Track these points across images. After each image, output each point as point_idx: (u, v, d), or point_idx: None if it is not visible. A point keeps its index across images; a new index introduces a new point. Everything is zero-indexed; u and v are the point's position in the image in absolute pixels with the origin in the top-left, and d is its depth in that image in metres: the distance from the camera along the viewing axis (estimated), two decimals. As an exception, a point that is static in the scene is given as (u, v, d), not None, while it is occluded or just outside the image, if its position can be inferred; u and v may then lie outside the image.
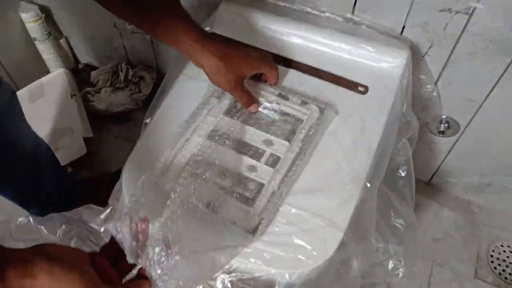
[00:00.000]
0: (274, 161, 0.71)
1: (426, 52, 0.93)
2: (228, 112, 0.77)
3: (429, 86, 0.97)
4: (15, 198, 0.98)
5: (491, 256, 1.14)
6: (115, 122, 1.36)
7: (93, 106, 1.31)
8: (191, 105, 0.79)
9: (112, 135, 1.34)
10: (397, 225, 0.80)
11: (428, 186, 1.26)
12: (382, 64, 0.85)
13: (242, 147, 0.72)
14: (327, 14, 0.93)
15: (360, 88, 0.82)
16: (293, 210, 0.66)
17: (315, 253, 0.62)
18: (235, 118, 0.76)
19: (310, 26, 0.90)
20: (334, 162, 0.71)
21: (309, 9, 0.94)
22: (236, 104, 0.78)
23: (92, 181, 1.17)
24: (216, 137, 0.73)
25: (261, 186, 0.68)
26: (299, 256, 0.62)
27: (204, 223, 0.63)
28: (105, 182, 1.18)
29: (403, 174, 0.83)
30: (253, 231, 0.63)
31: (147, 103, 1.36)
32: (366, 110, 0.79)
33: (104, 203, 1.14)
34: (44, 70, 1.40)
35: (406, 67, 0.85)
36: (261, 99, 0.79)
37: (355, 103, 0.80)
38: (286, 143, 0.72)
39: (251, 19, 0.92)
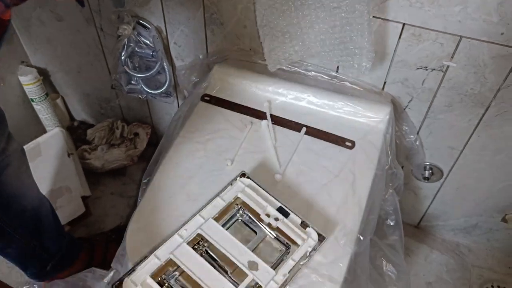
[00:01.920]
0: None
1: (407, 105, 1.00)
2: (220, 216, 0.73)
3: (411, 136, 1.03)
4: (15, 259, 0.99)
5: (483, 297, 1.17)
6: (111, 178, 1.39)
7: (90, 164, 1.34)
8: (189, 164, 0.83)
9: (107, 191, 1.36)
10: (390, 273, 0.83)
11: (417, 229, 1.30)
12: (366, 120, 0.91)
13: (223, 263, 0.68)
14: (313, 73, 1.00)
15: (347, 143, 0.88)
16: (291, 266, 0.70)
17: (314, 308, 0.65)
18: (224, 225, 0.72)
19: (298, 85, 0.96)
20: (327, 219, 0.75)
21: (297, 69, 1.01)
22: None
23: (87, 240, 1.18)
24: (198, 244, 0.70)
25: None
26: (299, 312, 0.65)
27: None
28: (101, 241, 1.20)
29: (391, 223, 0.88)
30: None
31: (142, 158, 1.41)
32: (354, 164, 0.84)
33: (100, 263, 1.16)
34: (41, 129, 1.43)
35: (388, 122, 0.91)
36: (259, 210, 0.73)
37: (344, 158, 0.85)
38: (272, 272, 0.66)
39: (243, 80, 0.99)
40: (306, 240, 0.69)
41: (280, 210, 0.72)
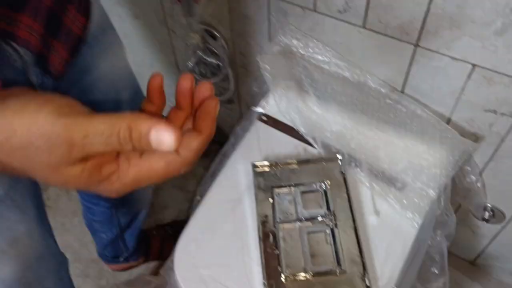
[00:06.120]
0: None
1: (472, 145, 0.94)
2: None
3: (473, 176, 0.97)
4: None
5: None
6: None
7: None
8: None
9: (169, 183, 1.41)
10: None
11: (473, 266, 1.23)
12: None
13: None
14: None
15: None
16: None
17: None
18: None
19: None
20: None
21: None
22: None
23: (144, 232, 1.24)
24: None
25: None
26: None
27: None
28: (158, 236, 1.27)
29: (436, 271, 0.84)
30: None
31: (204, 155, 1.44)
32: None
33: (156, 259, 1.23)
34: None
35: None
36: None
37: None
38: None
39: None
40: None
41: None
